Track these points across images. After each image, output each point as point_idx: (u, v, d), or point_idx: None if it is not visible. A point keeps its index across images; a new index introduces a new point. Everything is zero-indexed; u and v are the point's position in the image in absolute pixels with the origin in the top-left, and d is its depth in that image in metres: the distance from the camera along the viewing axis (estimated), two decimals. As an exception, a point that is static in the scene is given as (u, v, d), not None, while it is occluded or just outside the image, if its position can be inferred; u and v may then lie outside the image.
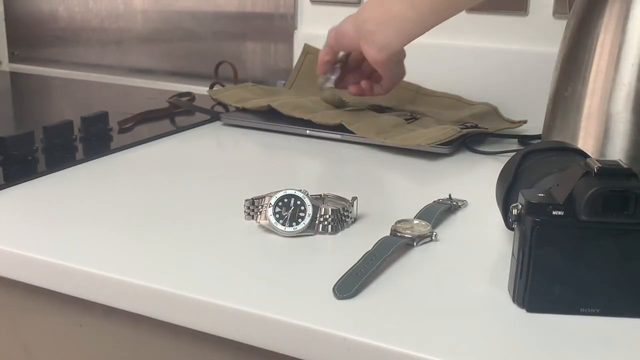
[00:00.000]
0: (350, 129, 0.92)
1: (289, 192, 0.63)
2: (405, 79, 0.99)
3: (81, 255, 0.57)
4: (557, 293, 0.49)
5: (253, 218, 0.64)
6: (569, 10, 0.80)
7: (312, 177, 0.82)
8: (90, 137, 0.93)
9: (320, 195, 0.68)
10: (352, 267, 0.55)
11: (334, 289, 0.52)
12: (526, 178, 0.59)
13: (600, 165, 0.48)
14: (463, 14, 1.11)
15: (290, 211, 0.62)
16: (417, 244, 0.60)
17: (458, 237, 0.63)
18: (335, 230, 0.63)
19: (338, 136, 0.94)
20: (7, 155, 0.82)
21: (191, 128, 1.01)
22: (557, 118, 0.79)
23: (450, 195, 0.70)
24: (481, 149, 0.91)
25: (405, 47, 0.91)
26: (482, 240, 0.62)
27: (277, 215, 0.62)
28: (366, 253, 0.57)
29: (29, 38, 1.52)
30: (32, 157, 0.84)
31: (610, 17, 0.72)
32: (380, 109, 1.02)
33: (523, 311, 0.50)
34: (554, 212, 0.48)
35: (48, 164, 0.83)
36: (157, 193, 0.73)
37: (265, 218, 0.62)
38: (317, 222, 0.62)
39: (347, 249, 0.59)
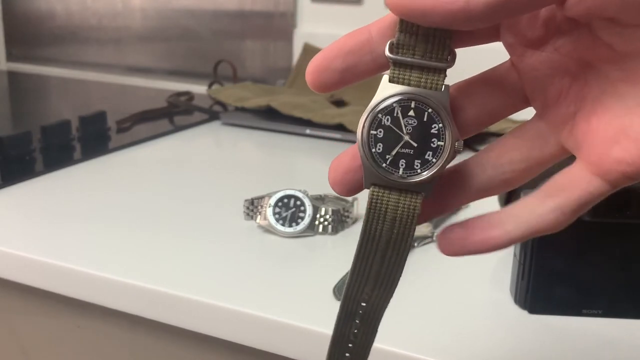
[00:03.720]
0: (350, 129, 0.92)
1: (288, 192, 0.63)
2: None
3: (79, 256, 0.57)
4: (559, 294, 0.49)
5: (252, 218, 0.64)
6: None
7: (312, 177, 0.81)
8: (88, 137, 0.92)
9: (320, 195, 0.68)
10: (352, 268, 0.54)
11: (334, 290, 0.51)
12: (528, 178, 0.59)
13: (602, 165, 0.47)
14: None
15: (290, 211, 0.62)
16: (418, 244, 0.60)
17: (459, 237, 0.63)
18: (335, 231, 0.62)
19: (338, 136, 0.94)
20: (5, 155, 0.82)
21: (190, 127, 1.01)
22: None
23: (450, 195, 0.70)
24: (483, 148, 0.90)
25: None
26: (483, 241, 0.62)
27: (277, 216, 0.62)
28: (366, 254, 0.56)
29: (26, 37, 1.51)
30: (30, 156, 0.84)
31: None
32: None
33: (525, 312, 0.50)
34: (556, 213, 0.48)
35: (46, 164, 0.82)
36: (155, 193, 0.72)
37: (265, 218, 0.62)
38: (317, 222, 0.62)
39: (347, 249, 0.59)
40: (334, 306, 0.49)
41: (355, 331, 0.29)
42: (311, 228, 0.62)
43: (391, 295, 0.29)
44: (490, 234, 0.26)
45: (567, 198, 0.25)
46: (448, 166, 0.27)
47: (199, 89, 1.22)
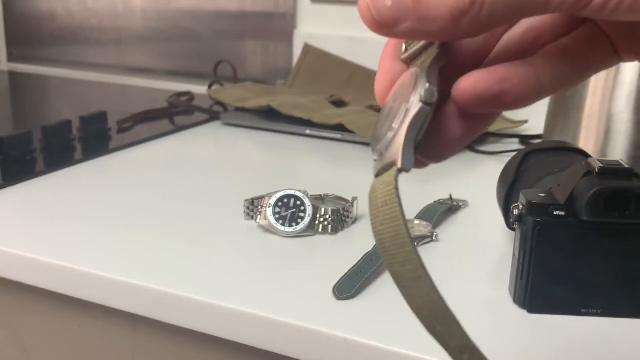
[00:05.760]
0: (350, 129, 0.92)
1: (288, 192, 0.63)
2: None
3: (80, 256, 0.57)
4: (558, 294, 0.49)
5: (253, 218, 0.64)
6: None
7: (312, 177, 0.81)
8: (89, 137, 0.92)
9: (320, 195, 0.68)
10: (352, 268, 0.54)
11: (334, 289, 0.51)
12: (527, 178, 0.59)
13: (601, 165, 0.48)
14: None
15: (290, 211, 0.62)
16: (417, 244, 0.60)
17: (459, 237, 0.63)
18: (335, 231, 0.62)
19: (338, 136, 0.94)
20: (6, 155, 0.82)
21: (190, 128, 1.01)
22: (558, 118, 0.79)
23: (450, 196, 0.70)
24: (482, 148, 0.91)
25: None
26: (483, 241, 0.62)
27: (277, 216, 0.62)
28: (366, 254, 0.57)
29: (27, 37, 1.51)
30: (31, 157, 0.84)
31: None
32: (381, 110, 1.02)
33: (524, 312, 0.50)
34: (555, 212, 0.48)
35: (47, 164, 0.82)
36: (156, 193, 0.73)
37: (265, 218, 0.62)
38: (317, 222, 0.62)
39: (347, 249, 0.59)
40: (334, 306, 0.50)
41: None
42: (311, 228, 0.62)
43: (433, 287, 0.23)
44: (525, 95, 0.24)
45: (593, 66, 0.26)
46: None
47: (199, 89, 1.22)
